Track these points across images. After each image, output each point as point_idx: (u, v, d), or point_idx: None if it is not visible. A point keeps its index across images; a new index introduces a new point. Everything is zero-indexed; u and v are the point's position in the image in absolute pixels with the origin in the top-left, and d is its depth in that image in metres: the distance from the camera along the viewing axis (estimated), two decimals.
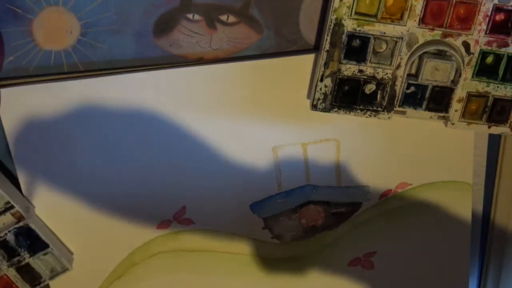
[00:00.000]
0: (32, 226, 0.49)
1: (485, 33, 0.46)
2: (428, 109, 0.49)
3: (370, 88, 0.48)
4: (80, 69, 0.48)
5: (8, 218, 0.48)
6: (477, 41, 0.46)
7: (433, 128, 0.53)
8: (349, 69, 0.47)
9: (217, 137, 0.51)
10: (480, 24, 0.46)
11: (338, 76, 0.47)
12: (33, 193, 0.51)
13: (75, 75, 0.48)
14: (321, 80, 0.48)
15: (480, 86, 0.48)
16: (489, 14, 0.45)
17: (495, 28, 0.46)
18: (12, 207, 0.48)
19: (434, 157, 0.54)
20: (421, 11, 0.45)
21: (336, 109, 0.49)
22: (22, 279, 0.50)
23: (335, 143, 0.53)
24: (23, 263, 0.50)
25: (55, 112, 0.49)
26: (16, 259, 0.50)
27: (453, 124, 0.49)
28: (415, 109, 0.49)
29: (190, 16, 0.47)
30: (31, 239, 0.50)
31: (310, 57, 0.49)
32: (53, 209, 0.52)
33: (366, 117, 0.49)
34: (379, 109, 0.49)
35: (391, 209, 0.56)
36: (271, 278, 0.59)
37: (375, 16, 0.45)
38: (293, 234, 0.57)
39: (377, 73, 0.47)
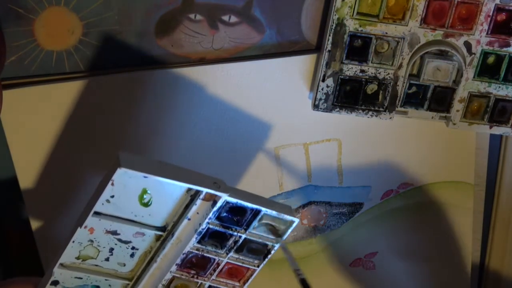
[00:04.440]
0: (231, 199, 0.40)
1: (487, 33, 0.46)
2: (430, 109, 0.49)
3: (371, 88, 0.48)
4: (82, 69, 0.48)
5: (201, 205, 0.40)
6: (478, 41, 0.46)
7: (435, 128, 0.53)
8: (351, 69, 0.47)
9: (218, 137, 0.51)
10: (482, 24, 0.46)
11: (340, 76, 0.48)
12: (34, 194, 0.51)
13: (77, 75, 0.48)
14: (323, 80, 0.48)
15: (482, 86, 0.48)
16: (490, 14, 0.45)
17: (496, 28, 0.46)
18: (198, 192, 0.39)
19: (436, 157, 0.55)
20: (423, 11, 0.45)
21: (337, 109, 0.49)
22: (248, 257, 0.44)
23: (337, 143, 0.53)
24: (240, 241, 0.43)
25: (57, 113, 0.49)
26: (231, 241, 0.42)
27: (454, 124, 0.49)
28: (417, 109, 0.49)
29: (192, 16, 0.47)
30: (237, 212, 0.42)
31: (312, 57, 0.50)
32: (52, 210, 0.52)
33: (368, 117, 0.49)
34: (381, 109, 0.49)
35: (393, 210, 0.56)
36: (272, 279, 0.59)
37: (377, 16, 0.45)
38: (294, 235, 0.56)
39: (379, 73, 0.47)
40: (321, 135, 0.53)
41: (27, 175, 0.50)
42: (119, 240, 0.41)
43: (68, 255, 0.40)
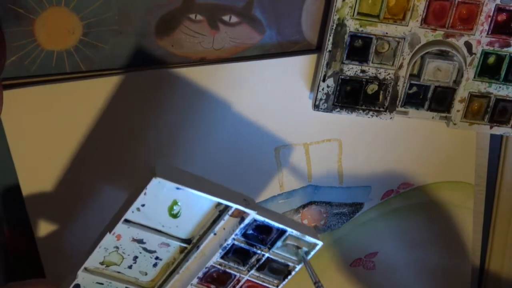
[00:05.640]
0: (259, 218, 0.40)
1: (487, 34, 0.46)
2: (430, 109, 0.49)
3: (372, 88, 0.48)
4: (82, 69, 0.48)
5: (228, 221, 0.40)
6: (479, 42, 0.46)
7: (435, 128, 0.53)
8: (352, 69, 0.47)
9: (218, 137, 0.51)
10: (482, 24, 0.46)
11: (340, 76, 0.48)
12: (35, 196, 0.51)
13: (77, 75, 0.48)
14: (323, 80, 0.48)
15: (482, 86, 0.48)
16: (491, 14, 0.45)
17: (497, 29, 0.46)
18: (227, 208, 0.40)
19: (436, 157, 0.55)
20: (423, 12, 0.45)
21: (338, 110, 0.49)
22: (269, 276, 0.44)
23: (337, 143, 0.53)
24: (263, 260, 0.43)
25: (57, 113, 0.49)
26: (253, 259, 0.43)
27: (455, 124, 0.49)
28: (417, 109, 0.49)
29: (192, 16, 0.47)
30: (263, 231, 0.42)
31: (313, 57, 0.49)
32: (53, 211, 0.52)
33: (368, 117, 0.49)
34: (381, 109, 0.49)
35: (393, 210, 0.56)
36: None
37: (378, 16, 0.45)
38: None
39: (379, 73, 0.47)
40: (321, 135, 0.53)
41: (28, 175, 0.50)
42: (144, 249, 0.41)
43: (93, 259, 0.41)
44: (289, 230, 0.42)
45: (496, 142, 0.55)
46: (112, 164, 0.51)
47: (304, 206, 0.55)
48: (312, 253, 0.44)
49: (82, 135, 0.50)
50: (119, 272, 0.42)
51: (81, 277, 0.41)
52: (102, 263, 0.41)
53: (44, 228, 0.52)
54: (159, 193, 0.38)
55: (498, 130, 0.50)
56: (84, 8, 0.46)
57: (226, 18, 0.48)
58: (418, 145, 0.54)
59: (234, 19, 0.48)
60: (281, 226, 0.41)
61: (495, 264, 0.60)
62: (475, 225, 0.58)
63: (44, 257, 0.53)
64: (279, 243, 0.42)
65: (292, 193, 0.54)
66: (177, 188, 0.37)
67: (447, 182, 0.56)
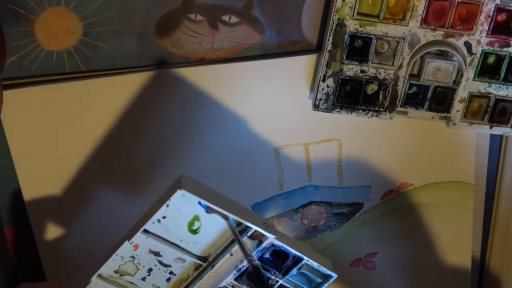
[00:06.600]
0: (277, 243, 0.40)
1: (487, 34, 0.46)
2: (430, 109, 0.49)
3: (372, 88, 0.48)
4: (82, 69, 0.48)
5: (246, 243, 0.40)
6: (479, 42, 0.46)
7: (435, 128, 0.53)
8: (351, 69, 0.47)
9: (218, 137, 0.51)
10: (482, 24, 0.46)
11: (340, 77, 0.48)
12: (35, 197, 0.51)
13: (77, 75, 0.48)
14: (323, 80, 0.48)
15: (482, 86, 0.48)
16: (491, 14, 0.45)
17: (497, 29, 0.46)
18: (246, 229, 0.40)
19: (436, 157, 0.55)
20: (423, 12, 0.45)
21: (338, 110, 0.49)
22: None
23: (337, 143, 0.53)
24: (275, 286, 0.43)
25: (57, 113, 0.49)
26: (267, 284, 0.43)
27: (454, 124, 0.49)
28: (417, 109, 0.49)
29: (192, 16, 0.47)
30: (279, 257, 0.42)
31: (312, 57, 0.49)
32: (53, 211, 0.52)
33: (368, 117, 0.49)
34: (381, 109, 0.49)
35: (393, 210, 0.56)
36: None
37: (377, 16, 0.45)
38: (294, 235, 0.56)
39: (379, 73, 0.47)
40: (321, 135, 0.53)
41: (28, 175, 0.50)
42: (160, 262, 0.41)
43: (109, 267, 0.41)
44: (306, 259, 0.42)
45: (496, 142, 0.55)
46: (112, 164, 0.51)
47: (304, 206, 0.55)
48: (326, 285, 0.43)
49: (82, 135, 0.50)
50: (132, 283, 0.42)
51: (94, 283, 0.41)
52: (116, 272, 0.41)
53: (44, 229, 0.52)
54: (181, 206, 0.38)
55: (498, 130, 0.50)
56: (84, 8, 0.46)
57: (226, 18, 0.48)
58: (418, 145, 0.54)
59: (234, 19, 0.48)
60: (298, 253, 0.41)
61: (495, 264, 0.60)
62: (475, 225, 0.58)
63: (45, 258, 0.53)
64: (294, 271, 0.42)
65: (292, 193, 0.54)
66: (200, 204, 0.37)
67: (447, 182, 0.56)
